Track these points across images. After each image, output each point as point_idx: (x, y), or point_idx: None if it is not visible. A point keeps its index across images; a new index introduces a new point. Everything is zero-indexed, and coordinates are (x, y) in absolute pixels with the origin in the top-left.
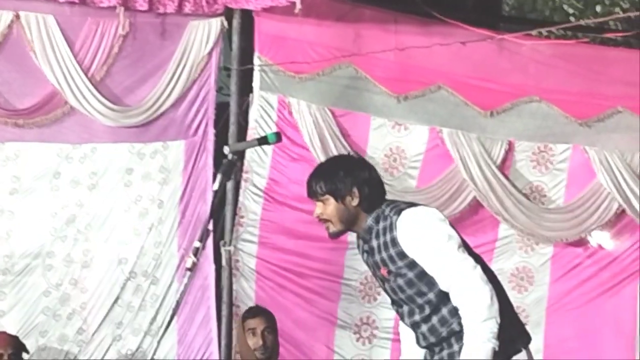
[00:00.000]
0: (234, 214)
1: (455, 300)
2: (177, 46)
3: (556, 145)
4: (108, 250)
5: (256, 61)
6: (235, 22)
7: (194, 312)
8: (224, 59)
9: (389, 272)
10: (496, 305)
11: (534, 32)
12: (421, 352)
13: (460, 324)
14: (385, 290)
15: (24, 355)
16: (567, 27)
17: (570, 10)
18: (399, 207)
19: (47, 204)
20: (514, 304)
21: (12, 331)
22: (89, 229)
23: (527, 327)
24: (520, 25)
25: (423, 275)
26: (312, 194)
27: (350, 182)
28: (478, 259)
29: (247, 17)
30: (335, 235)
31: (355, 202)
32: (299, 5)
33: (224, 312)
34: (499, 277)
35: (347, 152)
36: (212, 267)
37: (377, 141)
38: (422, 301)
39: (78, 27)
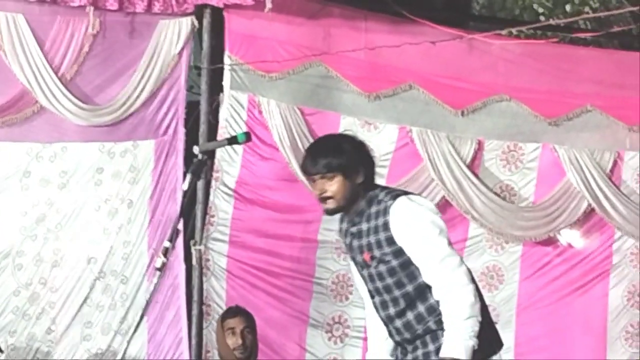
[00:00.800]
0: (205, 213)
1: (437, 295)
2: (147, 45)
3: (526, 144)
4: (78, 250)
5: (226, 60)
6: (206, 21)
7: (164, 311)
8: (194, 57)
9: (372, 257)
10: (478, 305)
11: (503, 32)
12: (387, 349)
13: (436, 323)
14: (363, 277)
15: None
16: (536, 27)
17: (540, 10)
18: (395, 192)
19: (17, 203)
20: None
21: None
22: (59, 228)
23: (498, 326)
24: (490, 24)
25: (406, 266)
26: (319, 170)
27: (358, 159)
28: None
29: (218, 15)
30: (333, 212)
31: (359, 179)
32: (269, 4)
33: (194, 312)
34: None
35: None
36: (183, 266)
37: None
38: (399, 293)
39: (48, 26)
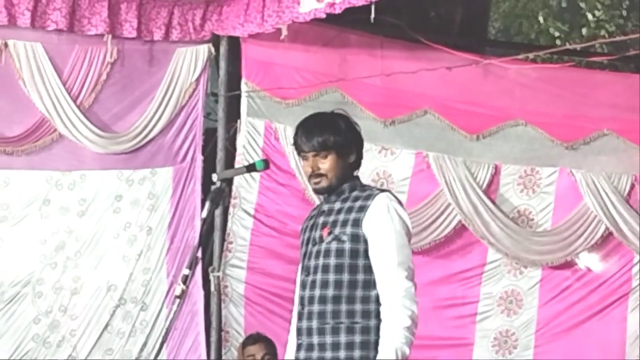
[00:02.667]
0: (223, 239)
1: (383, 295)
2: (164, 73)
3: (542, 169)
4: (97, 277)
5: (243, 87)
6: (223, 48)
7: (183, 337)
8: (211, 84)
9: (330, 233)
10: (414, 329)
11: (520, 56)
12: None
13: (347, 330)
14: (307, 254)
15: None
16: (553, 51)
17: (556, 34)
18: (387, 190)
19: (36, 231)
20: (503, 328)
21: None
22: (79, 255)
23: (516, 350)
24: (506, 49)
25: (354, 255)
26: (314, 148)
27: (352, 139)
28: None
29: (234, 43)
30: (323, 191)
31: (352, 159)
32: (285, 32)
33: (213, 338)
34: (488, 301)
35: None
36: (201, 293)
37: (364, 166)
38: (333, 278)
39: (66, 54)
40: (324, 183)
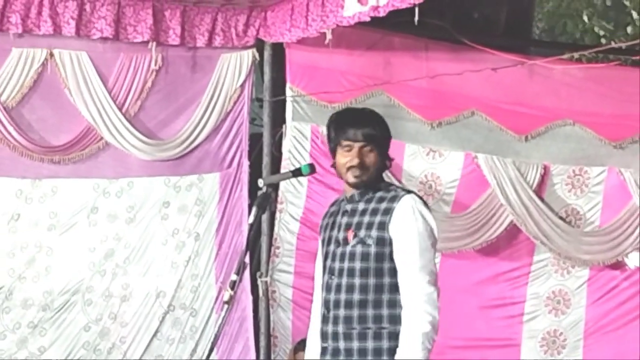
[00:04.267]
0: (270, 244)
1: (405, 298)
2: (209, 79)
3: (591, 168)
4: (146, 284)
5: (288, 92)
6: (267, 53)
7: (233, 343)
8: (255, 90)
9: (355, 236)
10: (433, 335)
11: (565, 56)
12: None
13: (374, 336)
14: (331, 255)
15: None
16: (598, 50)
17: (601, 33)
18: (412, 191)
19: (85, 239)
20: (551, 328)
21: None
22: (127, 262)
23: (565, 351)
24: (550, 49)
25: (380, 259)
26: (364, 137)
27: (389, 138)
28: None
29: (278, 48)
30: (359, 185)
31: (386, 157)
32: (329, 36)
33: (262, 343)
34: (535, 301)
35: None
36: (250, 298)
37: (412, 168)
38: (359, 282)
39: (111, 62)
40: (364, 177)
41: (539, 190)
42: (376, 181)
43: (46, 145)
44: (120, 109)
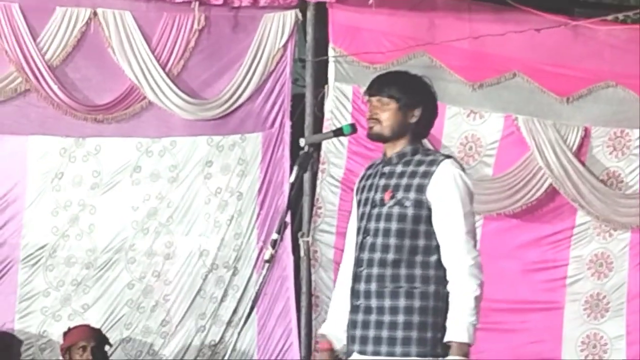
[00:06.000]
0: (312, 205)
1: (449, 262)
2: (252, 39)
3: (633, 130)
4: (189, 243)
5: (331, 52)
6: (309, 13)
7: (273, 303)
8: (298, 50)
9: (393, 197)
10: (482, 298)
11: (609, 17)
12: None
13: (406, 294)
14: (367, 216)
15: (107, 348)
16: None
17: None
18: (451, 156)
19: (128, 198)
20: (594, 291)
21: (96, 324)
22: (170, 221)
23: (608, 314)
24: (595, 9)
25: (417, 221)
26: (377, 91)
27: (419, 100)
28: None
29: (321, 8)
30: (375, 137)
31: (413, 120)
32: None
33: (303, 303)
34: (577, 264)
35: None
36: (291, 258)
37: (452, 130)
38: (394, 242)
39: (154, 22)
40: (377, 129)
41: (579, 153)
42: (398, 137)
43: (90, 104)
44: (163, 69)
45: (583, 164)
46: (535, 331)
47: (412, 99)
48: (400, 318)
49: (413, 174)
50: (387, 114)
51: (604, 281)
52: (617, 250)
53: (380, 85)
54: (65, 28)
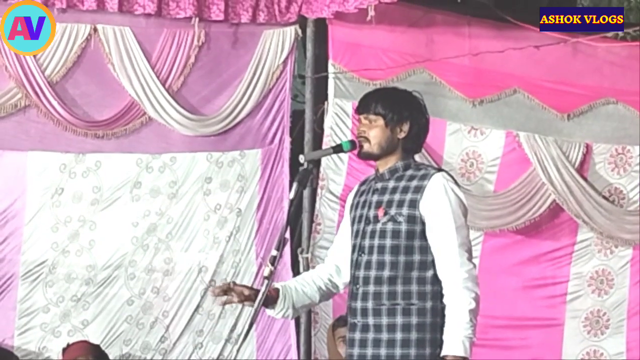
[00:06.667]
0: (311, 221)
1: (446, 276)
2: (252, 55)
3: (634, 147)
4: (188, 259)
5: (330, 68)
6: (309, 30)
7: (272, 319)
8: (298, 66)
9: (386, 213)
10: (478, 311)
11: (609, 34)
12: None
13: (403, 312)
14: (360, 233)
15: None
16: None
17: None
18: (442, 169)
19: (128, 214)
20: (594, 308)
21: (96, 340)
22: (170, 237)
23: (608, 331)
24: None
25: (411, 236)
26: (364, 109)
27: (407, 116)
28: None
29: (321, 25)
30: (365, 156)
31: (401, 135)
32: (371, 12)
33: (303, 319)
34: (578, 281)
35: (423, 160)
36: (290, 274)
37: (454, 146)
38: (390, 259)
39: (154, 38)
40: (366, 148)
41: (581, 170)
42: (387, 154)
43: (90, 120)
44: (163, 85)
45: (586, 180)
46: (535, 348)
47: (399, 114)
48: (398, 335)
49: (405, 189)
50: (374, 131)
51: (605, 298)
52: (618, 267)
53: (366, 103)
54: (65, 44)
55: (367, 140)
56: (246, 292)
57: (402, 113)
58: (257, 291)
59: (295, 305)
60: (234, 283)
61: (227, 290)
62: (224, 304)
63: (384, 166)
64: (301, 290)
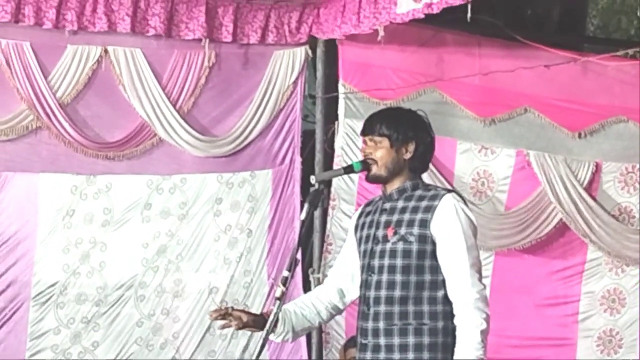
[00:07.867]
0: (322, 241)
1: (456, 297)
2: (262, 76)
3: None
4: (199, 280)
5: (341, 89)
6: (319, 50)
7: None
8: (308, 87)
9: (396, 233)
10: (488, 332)
11: (619, 53)
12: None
13: (415, 332)
14: (369, 252)
15: None
16: None
17: None
18: (452, 190)
19: (138, 235)
20: (607, 327)
21: None
22: (180, 258)
23: (621, 350)
24: (604, 45)
25: (421, 256)
26: (369, 131)
27: (412, 136)
28: None
29: (331, 45)
30: (373, 179)
31: (407, 155)
32: (381, 33)
33: (314, 340)
34: (589, 300)
35: (435, 179)
36: (302, 294)
37: (465, 165)
38: (401, 278)
39: (165, 59)
40: (374, 170)
41: (589, 188)
42: (394, 176)
43: (101, 141)
44: (174, 106)
45: (594, 199)
46: None
47: (404, 134)
48: (410, 355)
49: (415, 209)
50: (380, 152)
51: (617, 317)
52: (630, 286)
53: (371, 125)
54: (76, 66)
55: (375, 162)
56: (244, 317)
57: (407, 133)
58: (256, 316)
59: (295, 329)
60: (233, 308)
61: (225, 314)
62: (222, 327)
63: (392, 187)
64: (300, 314)
